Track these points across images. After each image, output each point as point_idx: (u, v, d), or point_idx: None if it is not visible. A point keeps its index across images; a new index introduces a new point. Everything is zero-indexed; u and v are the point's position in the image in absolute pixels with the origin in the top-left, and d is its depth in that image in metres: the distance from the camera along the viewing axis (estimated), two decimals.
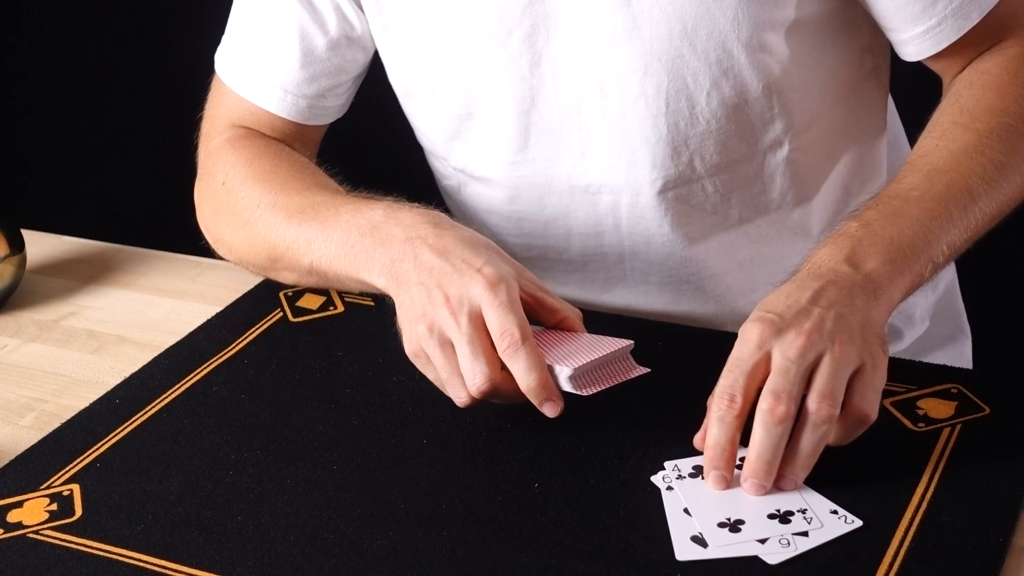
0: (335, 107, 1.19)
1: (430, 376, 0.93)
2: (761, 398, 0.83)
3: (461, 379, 0.89)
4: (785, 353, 0.83)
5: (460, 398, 0.90)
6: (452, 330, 0.89)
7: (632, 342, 0.92)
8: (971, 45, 1.04)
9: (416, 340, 0.91)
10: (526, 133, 1.10)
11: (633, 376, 0.91)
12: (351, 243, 0.99)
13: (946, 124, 1.00)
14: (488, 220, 1.19)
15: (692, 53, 1.03)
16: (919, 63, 1.07)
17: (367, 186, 1.06)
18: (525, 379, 0.87)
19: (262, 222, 1.06)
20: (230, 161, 1.13)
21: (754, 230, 1.14)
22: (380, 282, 0.96)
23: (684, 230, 1.12)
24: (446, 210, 1.18)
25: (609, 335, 0.92)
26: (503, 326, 0.88)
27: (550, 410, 0.88)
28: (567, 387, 0.88)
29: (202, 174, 1.18)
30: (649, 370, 0.92)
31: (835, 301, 0.86)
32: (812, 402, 0.83)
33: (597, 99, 1.06)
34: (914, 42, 1.04)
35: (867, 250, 0.90)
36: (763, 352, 0.84)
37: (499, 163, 1.14)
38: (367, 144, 1.28)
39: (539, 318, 0.94)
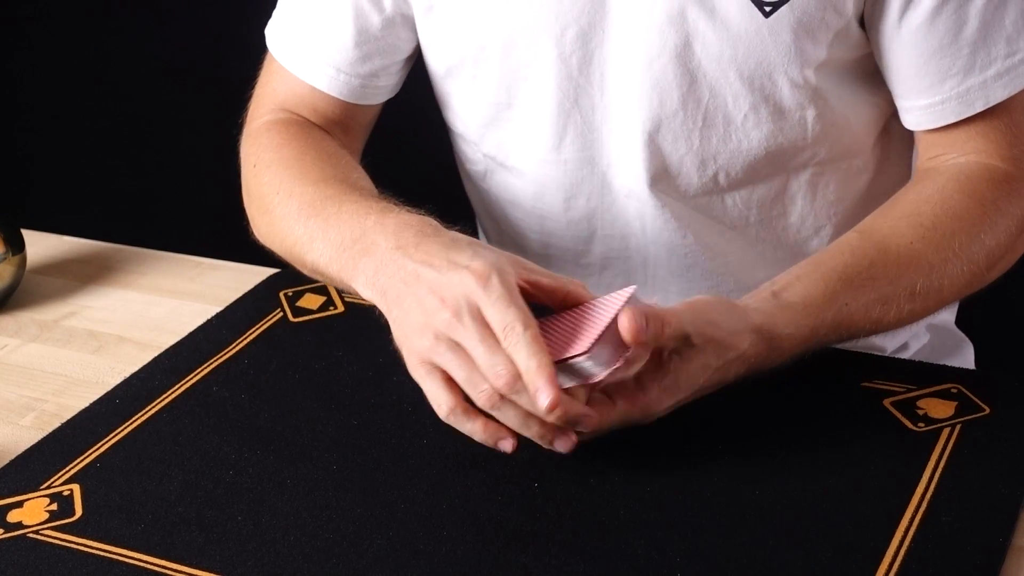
0: (386, 87, 1.17)
1: (429, 387, 0.88)
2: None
3: (482, 376, 0.84)
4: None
5: (485, 395, 0.85)
6: (460, 334, 0.85)
7: (635, 287, 0.86)
8: (963, 138, 1.04)
9: (420, 353, 0.87)
10: (563, 132, 1.10)
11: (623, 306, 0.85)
12: (343, 248, 0.96)
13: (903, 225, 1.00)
14: (510, 212, 1.19)
15: (738, 77, 1.03)
16: None
17: (390, 167, 1.05)
18: (525, 365, 0.82)
19: (279, 211, 1.05)
20: (263, 144, 1.12)
21: (770, 252, 1.14)
22: (366, 293, 0.94)
23: (706, 242, 1.12)
24: (470, 214, 1.17)
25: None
26: (504, 321, 0.83)
27: (543, 398, 0.81)
28: (598, 372, 0.83)
29: (242, 155, 1.16)
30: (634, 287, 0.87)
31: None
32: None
33: (638, 106, 1.06)
34: (915, 112, 1.05)
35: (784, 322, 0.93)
36: None
37: (532, 158, 1.13)
38: (391, 125, 1.28)
39: (541, 302, 0.90)
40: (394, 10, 1.13)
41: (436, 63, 1.15)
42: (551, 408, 0.81)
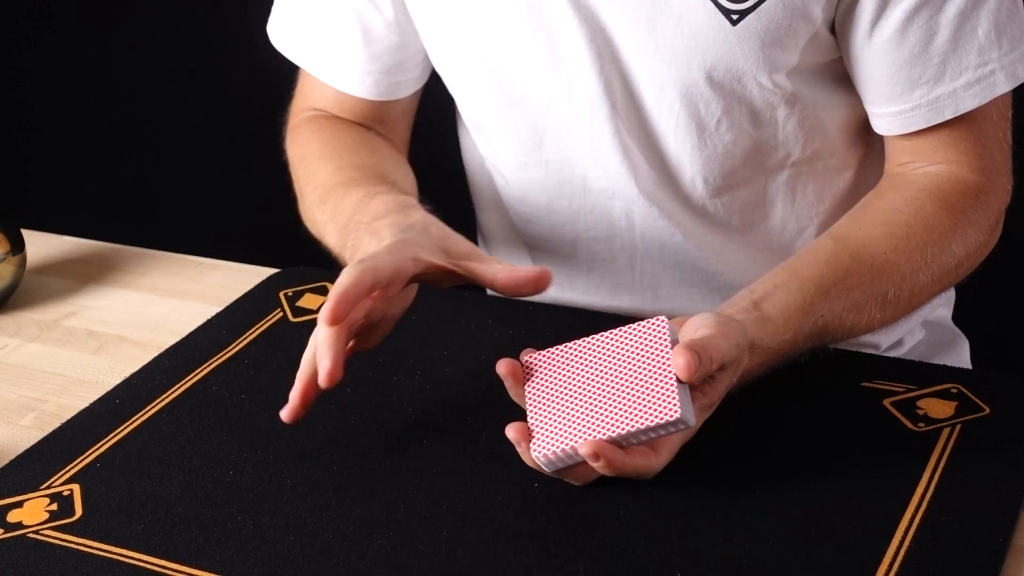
0: (409, 80, 1.18)
1: None
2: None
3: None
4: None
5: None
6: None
7: (665, 320, 0.86)
8: (933, 147, 1.04)
9: None
10: (542, 133, 1.11)
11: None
12: (343, 230, 1.01)
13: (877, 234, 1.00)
14: (502, 214, 1.20)
15: (708, 84, 1.03)
16: None
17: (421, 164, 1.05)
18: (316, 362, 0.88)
19: (306, 202, 1.11)
20: (295, 141, 1.18)
21: (757, 254, 1.14)
22: None
23: (695, 240, 1.12)
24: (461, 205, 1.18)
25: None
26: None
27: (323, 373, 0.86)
28: (683, 427, 0.83)
29: (287, 156, 1.21)
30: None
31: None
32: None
33: (611, 110, 1.06)
34: (885, 118, 1.05)
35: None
36: None
37: (511, 162, 1.14)
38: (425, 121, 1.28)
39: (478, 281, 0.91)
40: (395, 11, 1.13)
41: (435, 62, 1.16)
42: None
